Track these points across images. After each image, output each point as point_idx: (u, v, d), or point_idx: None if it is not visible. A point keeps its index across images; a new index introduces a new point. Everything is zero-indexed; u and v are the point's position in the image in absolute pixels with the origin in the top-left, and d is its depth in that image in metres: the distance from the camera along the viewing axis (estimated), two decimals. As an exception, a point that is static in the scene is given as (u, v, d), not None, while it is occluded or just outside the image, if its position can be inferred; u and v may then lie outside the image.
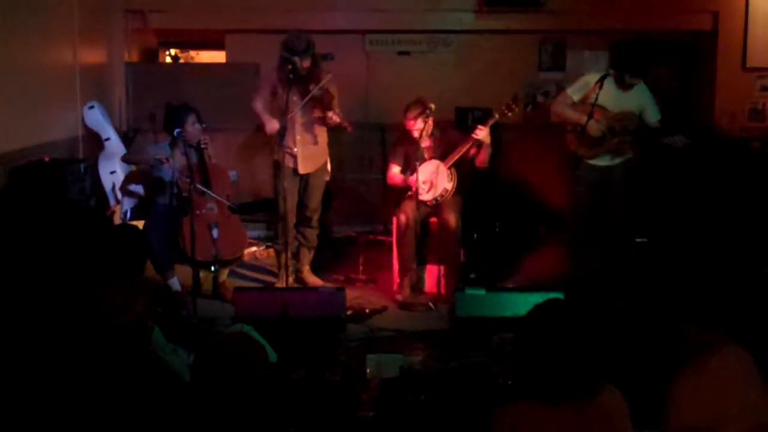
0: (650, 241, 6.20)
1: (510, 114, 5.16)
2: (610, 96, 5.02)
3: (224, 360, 1.96)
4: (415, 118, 5.23)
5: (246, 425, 1.95)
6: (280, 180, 5.33)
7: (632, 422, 2.13)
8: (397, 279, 5.38)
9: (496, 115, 5.13)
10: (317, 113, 5.29)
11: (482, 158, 5.25)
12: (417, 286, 5.32)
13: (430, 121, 5.26)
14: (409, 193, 5.27)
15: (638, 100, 5.11)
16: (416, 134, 5.25)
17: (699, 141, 6.83)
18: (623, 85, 5.05)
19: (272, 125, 5.21)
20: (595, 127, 5.01)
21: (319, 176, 5.54)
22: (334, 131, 5.60)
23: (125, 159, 5.72)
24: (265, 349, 2.03)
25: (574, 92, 5.18)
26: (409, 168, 5.36)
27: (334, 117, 5.18)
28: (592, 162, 5.17)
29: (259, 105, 5.36)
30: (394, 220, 5.43)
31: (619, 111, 5.06)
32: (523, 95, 5.87)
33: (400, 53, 7.48)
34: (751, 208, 6.01)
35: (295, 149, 5.29)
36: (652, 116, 5.12)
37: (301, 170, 5.38)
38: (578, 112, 5.09)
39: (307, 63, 5.13)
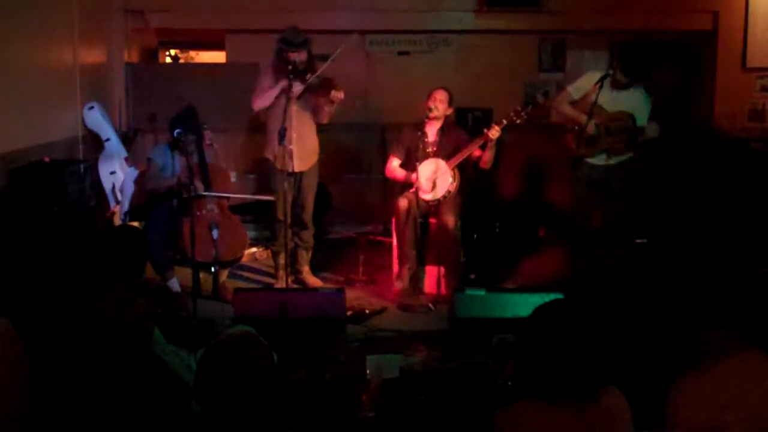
0: (650, 241, 6.19)
1: (518, 121, 5.18)
2: (606, 95, 5.02)
3: (232, 359, 1.96)
4: (441, 100, 5.30)
5: (247, 425, 1.95)
6: (277, 181, 5.32)
7: (635, 423, 2.13)
8: (396, 269, 5.37)
9: (504, 121, 5.14)
10: (314, 101, 5.28)
11: (486, 159, 5.26)
12: (417, 287, 5.32)
13: (450, 111, 5.34)
14: (411, 190, 5.27)
15: (633, 101, 5.11)
16: (433, 113, 5.28)
17: (698, 141, 6.86)
18: (617, 85, 5.06)
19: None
20: (591, 126, 5.02)
21: (312, 177, 5.53)
22: (331, 131, 5.57)
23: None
24: (270, 350, 2.03)
25: (574, 90, 5.22)
26: (410, 163, 5.35)
27: (338, 94, 5.20)
28: (590, 161, 5.17)
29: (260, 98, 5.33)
30: (396, 207, 5.35)
31: (616, 110, 5.07)
32: (522, 95, 5.86)
33: (400, 53, 7.49)
34: (751, 208, 6.01)
35: (291, 146, 5.27)
36: (641, 120, 5.10)
37: (297, 168, 5.32)
38: (577, 110, 5.13)
39: (303, 56, 5.18)
